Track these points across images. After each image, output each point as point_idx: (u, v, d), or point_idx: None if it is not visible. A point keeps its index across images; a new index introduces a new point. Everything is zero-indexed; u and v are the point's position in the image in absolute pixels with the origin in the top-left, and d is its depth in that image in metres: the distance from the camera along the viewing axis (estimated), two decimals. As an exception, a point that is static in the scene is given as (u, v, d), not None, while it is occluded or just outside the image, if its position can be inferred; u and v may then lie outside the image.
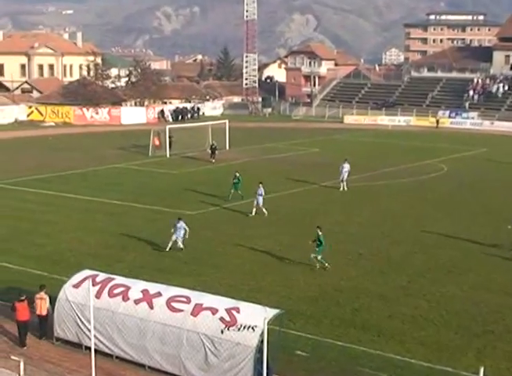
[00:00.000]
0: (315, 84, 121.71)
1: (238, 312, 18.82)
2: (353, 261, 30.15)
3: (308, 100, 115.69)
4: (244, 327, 18.27)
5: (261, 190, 37.97)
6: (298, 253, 30.99)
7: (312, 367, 19.68)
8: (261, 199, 37.98)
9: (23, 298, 21.10)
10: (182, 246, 30.60)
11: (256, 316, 18.43)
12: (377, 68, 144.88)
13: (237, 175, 41.56)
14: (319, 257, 28.55)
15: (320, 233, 28.68)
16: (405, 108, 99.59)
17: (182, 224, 30.48)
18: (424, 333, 22.28)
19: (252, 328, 18.19)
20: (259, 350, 17.75)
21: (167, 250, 30.31)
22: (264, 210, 37.92)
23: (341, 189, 45.71)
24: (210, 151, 58.09)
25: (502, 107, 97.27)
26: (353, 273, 28.33)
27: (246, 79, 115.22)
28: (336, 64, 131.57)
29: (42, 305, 21.25)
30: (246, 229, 35.08)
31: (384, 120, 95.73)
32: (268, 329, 16.89)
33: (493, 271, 28.84)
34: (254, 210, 37.90)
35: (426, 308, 24.50)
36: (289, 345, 20.34)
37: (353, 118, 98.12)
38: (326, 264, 28.58)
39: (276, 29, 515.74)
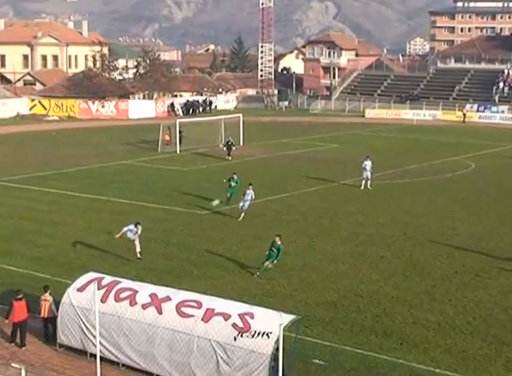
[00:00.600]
0: (334, 76, 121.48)
1: (252, 317, 18.83)
2: (374, 264, 30.07)
3: (327, 93, 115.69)
4: (258, 334, 18.27)
5: (250, 193, 36.74)
6: (315, 255, 31.05)
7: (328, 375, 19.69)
8: (247, 203, 36.72)
9: (20, 296, 21.25)
10: (138, 254, 29.69)
11: (271, 322, 18.42)
12: (401, 59, 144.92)
13: (235, 177, 40.03)
14: (267, 263, 27.87)
15: (279, 243, 27.87)
16: (430, 101, 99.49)
17: (138, 229, 29.52)
18: (450, 341, 22.23)
19: (267, 335, 18.19)
20: (274, 358, 17.76)
21: (139, 256, 29.67)
22: (242, 215, 36.79)
23: (362, 187, 45.61)
24: (226, 148, 57.95)
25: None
26: (374, 277, 28.28)
27: (262, 70, 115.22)
28: (357, 55, 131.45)
29: (46, 307, 21.39)
30: (260, 230, 35.04)
31: (408, 114, 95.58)
32: (283, 336, 16.88)
33: (524, 275, 28.69)
34: (243, 214, 36.89)
35: (452, 314, 24.43)
36: (305, 352, 20.35)
37: (375, 112, 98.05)
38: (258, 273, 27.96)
39: (293, 17, 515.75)
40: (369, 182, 45.72)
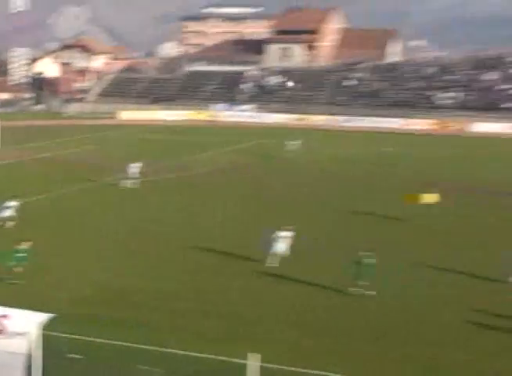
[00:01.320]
0: (89, 80, 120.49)
1: (7, 319, 18.68)
2: (123, 258, 31.02)
3: (82, 96, 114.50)
4: (14, 335, 18.20)
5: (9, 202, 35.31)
6: (68, 254, 31.43)
7: (87, 369, 19.88)
8: (7, 211, 35.21)
9: None
10: None
11: (27, 322, 18.29)
12: (154, 62, 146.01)
13: None
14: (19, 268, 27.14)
15: (25, 247, 27.41)
16: (182, 103, 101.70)
17: None
18: (207, 324, 23.41)
19: (23, 335, 18.16)
20: (31, 357, 17.82)
21: None
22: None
23: (127, 186, 46.41)
24: None
25: (276, 99, 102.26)
26: (127, 271, 29.13)
27: (15, 75, 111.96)
28: (112, 58, 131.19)
29: None
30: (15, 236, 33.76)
31: (161, 115, 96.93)
32: (40, 335, 16.92)
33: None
34: None
35: (203, 300, 25.74)
36: (62, 349, 20.36)
37: (129, 114, 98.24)
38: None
39: (48, 21, 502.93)
40: (131, 181, 46.50)
